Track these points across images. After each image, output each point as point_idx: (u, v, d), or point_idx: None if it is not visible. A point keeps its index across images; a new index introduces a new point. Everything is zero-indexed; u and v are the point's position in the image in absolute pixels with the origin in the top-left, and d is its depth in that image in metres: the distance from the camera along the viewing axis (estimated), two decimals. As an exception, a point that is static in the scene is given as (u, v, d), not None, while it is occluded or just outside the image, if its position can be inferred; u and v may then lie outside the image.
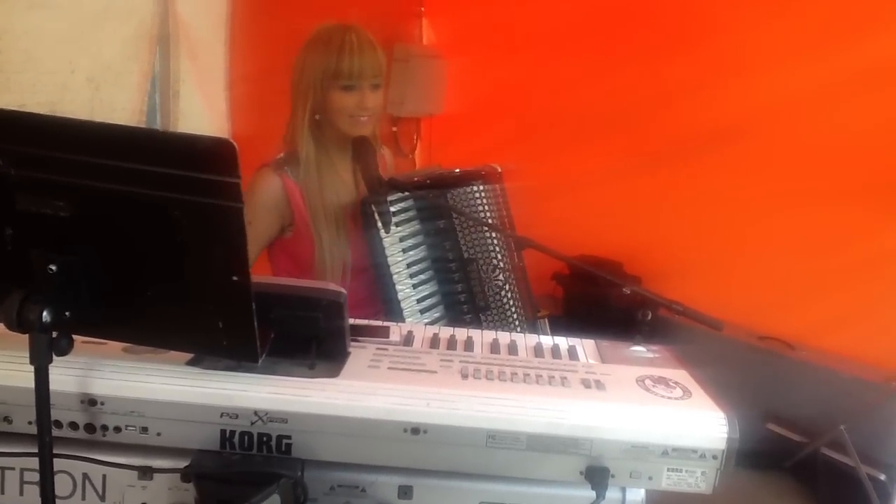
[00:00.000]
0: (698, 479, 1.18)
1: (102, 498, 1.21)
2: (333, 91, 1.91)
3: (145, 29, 3.00)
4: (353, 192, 2.03)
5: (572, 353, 1.45)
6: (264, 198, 1.94)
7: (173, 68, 3.22)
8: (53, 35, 2.66)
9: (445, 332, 1.50)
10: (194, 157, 0.99)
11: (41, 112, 1.05)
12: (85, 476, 1.21)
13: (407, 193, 1.98)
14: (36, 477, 1.11)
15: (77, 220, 1.05)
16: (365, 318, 1.53)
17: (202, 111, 3.37)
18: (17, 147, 1.02)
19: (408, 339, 1.45)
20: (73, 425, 1.18)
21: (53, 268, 1.06)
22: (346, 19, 1.98)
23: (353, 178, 2.04)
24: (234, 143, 0.97)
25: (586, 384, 1.27)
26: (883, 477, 2.91)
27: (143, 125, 2.98)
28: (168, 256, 1.07)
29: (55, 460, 1.09)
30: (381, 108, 1.99)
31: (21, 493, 1.21)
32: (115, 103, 2.93)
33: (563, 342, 1.50)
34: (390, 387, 1.20)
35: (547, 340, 1.51)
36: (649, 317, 1.61)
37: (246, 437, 1.17)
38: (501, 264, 2.09)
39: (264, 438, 1.17)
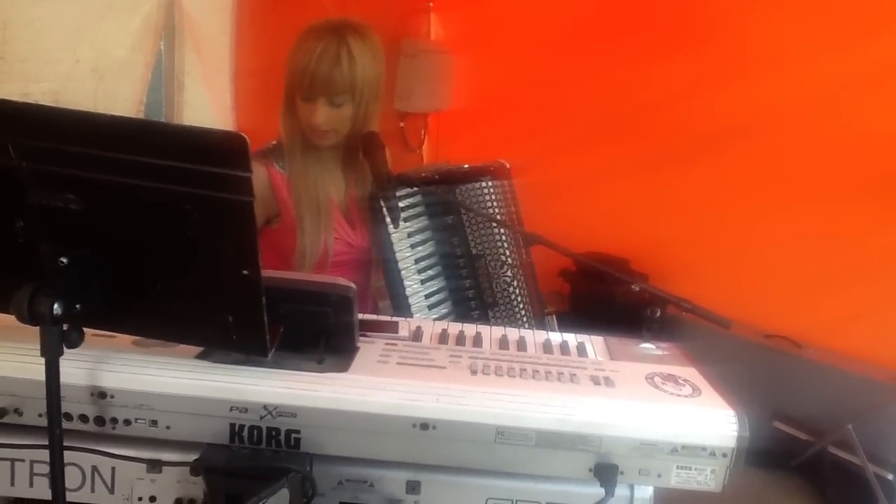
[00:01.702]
0: (707, 477, 1.18)
1: (111, 491, 1.22)
2: (297, 96, 1.90)
3: (151, 21, 3.00)
4: (341, 185, 2.02)
5: (581, 349, 1.44)
6: None
7: (178, 60, 3.23)
8: (58, 25, 2.67)
9: (454, 327, 1.50)
10: (206, 151, 0.99)
11: (44, 102, 1.05)
12: (94, 468, 1.21)
13: (415, 189, 1.98)
14: (46, 469, 1.12)
15: (88, 213, 1.05)
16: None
17: (207, 103, 3.38)
18: (28, 140, 1.02)
19: (416, 335, 1.45)
20: (83, 418, 1.18)
21: (64, 261, 1.06)
22: (347, 15, 1.94)
23: (345, 172, 2.02)
24: (246, 138, 0.97)
25: (595, 381, 1.26)
26: (890, 476, 2.91)
27: (141, 115, 2.98)
28: (178, 250, 1.07)
29: (65, 452, 1.09)
30: (343, 125, 1.90)
31: (31, 485, 1.22)
32: (119, 94, 2.93)
33: (571, 339, 1.50)
34: (399, 382, 1.20)
35: (556, 337, 1.50)
36: (658, 314, 1.61)
37: (255, 432, 1.17)
38: (510, 260, 2.08)
39: (273, 433, 1.17)
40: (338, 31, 1.85)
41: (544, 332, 1.54)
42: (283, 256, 1.95)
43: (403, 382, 1.20)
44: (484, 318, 2.01)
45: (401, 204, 1.95)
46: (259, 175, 1.93)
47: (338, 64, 1.83)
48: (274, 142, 1.99)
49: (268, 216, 1.97)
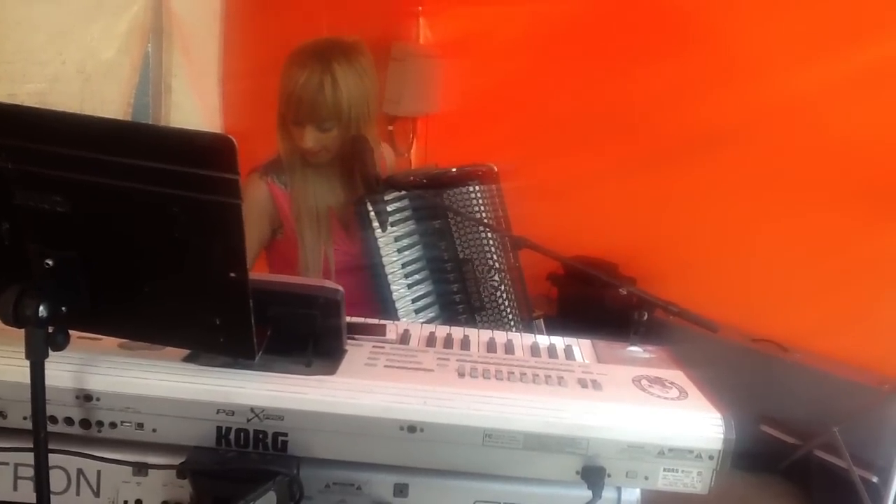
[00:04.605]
0: (694, 480, 1.19)
1: (97, 494, 1.21)
2: (288, 120, 1.93)
3: (138, 22, 3.00)
4: (340, 194, 2.03)
5: (569, 352, 1.45)
6: (252, 204, 1.96)
7: (166, 62, 3.21)
8: (45, 27, 2.66)
9: (442, 330, 1.50)
10: (194, 153, 0.98)
11: (31, 103, 1.05)
12: (80, 472, 1.20)
13: (403, 192, 1.98)
14: (30, 472, 1.11)
15: (75, 215, 1.05)
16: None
17: (194, 106, 3.37)
18: (15, 141, 1.02)
19: (404, 338, 1.45)
20: (69, 421, 1.17)
21: (50, 262, 1.06)
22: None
23: (341, 181, 2.03)
24: (234, 140, 0.96)
25: (583, 384, 1.27)
26: (875, 479, 2.92)
27: (129, 118, 2.97)
28: (166, 252, 1.07)
29: (50, 455, 1.09)
30: (334, 144, 1.93)
31: (15, 489, 1.21)
32: (105, 95, 2.92)
33: (559, 342, 1.50)
34: (387, 385, 1.20)
35: (543, 340, 1.51)
36: (645, 317, 1.61)
37: (242, 434, 1.17)
38: (497, 265, 2.08)
39: (260, 435, 1.17)
40: (322, 57, 1.87)
41: (532, 335, 1.54)
42: (292, 266, 1.99)
43: (391, 385, 1.20)
44: (471, 322, 2.01)
45: (388, 208, 1.95)
46: (261, 191, 1.98)
47: (321, 92, 1.86)
48: (273, 157, 2.01)
49: (272, 228, 2.02)
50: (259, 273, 1.15)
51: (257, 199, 1.97)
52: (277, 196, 1.99)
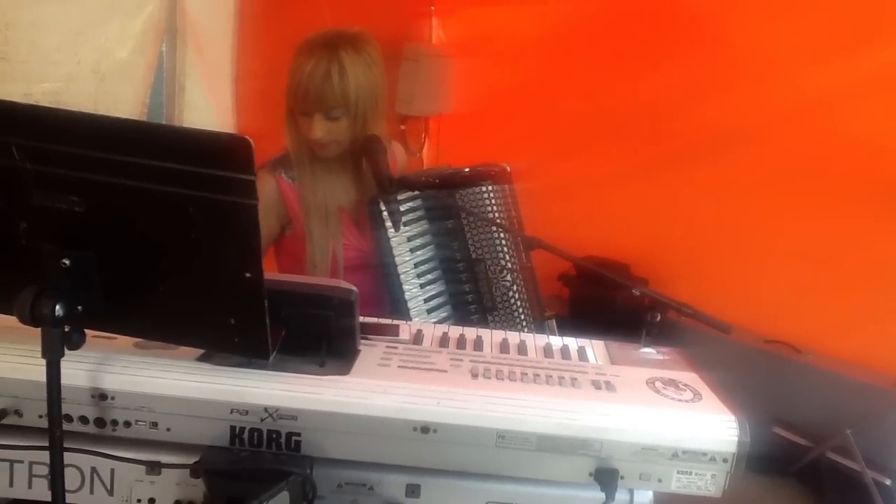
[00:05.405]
0: (708, 482, 1.18)
1: (111, 492, 1.22)
2: (296, 112, 1.92)
3: (152, 22, 3.01)
4: (351, 191, 2.03)
5: (582, 353, 1.44)
6: (262, 200, 1.95)
7: (180, 62, 3.23)
8: (60, 26, 2.68)
9: (455, 331, 1.50)
10: (210, 154, 0.99)
11: (46, 102, 1.05)
12: (94, 470, 1.21)
13: (416, 192, 1.98)
14: (45, 470, 1.12)
15: (91, 216, 1.05)
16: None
17: (208, 105, 3.38)
18: (32, 141, 1.02)
19: (417, 338, 1.45)
20: (84, 419, 1.18)
21: (67, 262, 1.06)
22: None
23: (353, 178, 2.03)
24: (251, 141, 0.97)
25: (596, 385, 1.27)
26: (888, 482, 2.90)
27: (144, 118, 2.99)
28: (181, 252, 1.08)
29: (64, 454, 1.09)
30: (343, 136, 1.92)
31: (30, 487, 1.22)
32: (120, 95, 2.94)
33: (572, 343, 1.50)
34: (400, 385, 1.20)
35: (556, 341, 1.50)
36: (658, 319, 1.61)
37: (255, 434, 1.17)
38: (509, 265, 2.08)
39: (274, 435, 1.17)
40: (329, 46, 1.87)
41: (545, 336, 1.54)
42: (300, 262, 1.98)
43: (404, 386, 1.20)
44: (483, 323, 2.01)
45: (401, 208, 1.95)
46: (270, 187, 1.97)
47: (328, 79, 1.85)
48: (283, 152, 2.00)
49: (281, 224, 2.01)
50: (273, 273, 1.15)
51: (266, 194, 1.95)
52: (286, 191, 1.98)
